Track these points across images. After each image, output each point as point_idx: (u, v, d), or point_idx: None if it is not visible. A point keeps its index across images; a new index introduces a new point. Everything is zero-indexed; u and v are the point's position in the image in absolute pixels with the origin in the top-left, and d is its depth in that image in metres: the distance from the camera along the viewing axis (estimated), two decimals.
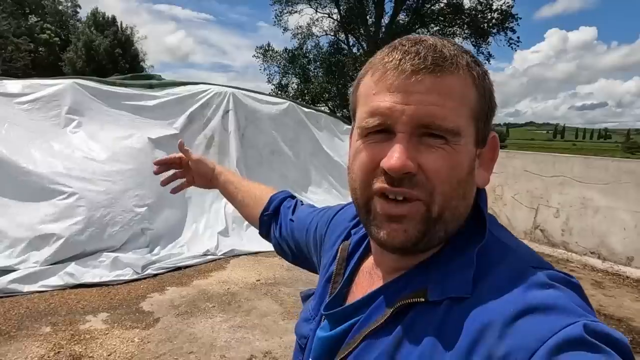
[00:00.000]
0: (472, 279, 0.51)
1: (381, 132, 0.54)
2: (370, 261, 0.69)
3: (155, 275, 4.42)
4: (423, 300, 0.53)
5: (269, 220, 1.07)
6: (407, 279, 0.58)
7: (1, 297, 3.67)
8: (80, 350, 2.94)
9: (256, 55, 23.67)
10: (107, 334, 3.20)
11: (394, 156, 0.51)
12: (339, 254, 0.74)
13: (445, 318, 0.50)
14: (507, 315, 0.45)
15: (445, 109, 0.51)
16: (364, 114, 0.55)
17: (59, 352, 2.91)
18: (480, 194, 0.60)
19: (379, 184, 0.54)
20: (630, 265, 5.17)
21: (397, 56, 0.53)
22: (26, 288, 3.89)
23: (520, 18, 20.87)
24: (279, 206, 1.07)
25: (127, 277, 4.27)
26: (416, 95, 0.51)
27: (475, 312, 0.48)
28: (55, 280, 4.05)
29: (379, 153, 0.53)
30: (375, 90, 0.54)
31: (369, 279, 0.66)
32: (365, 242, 0.72)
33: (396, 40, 0.56)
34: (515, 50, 22.24)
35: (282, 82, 24.09)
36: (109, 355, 2.91)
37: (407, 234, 0.54)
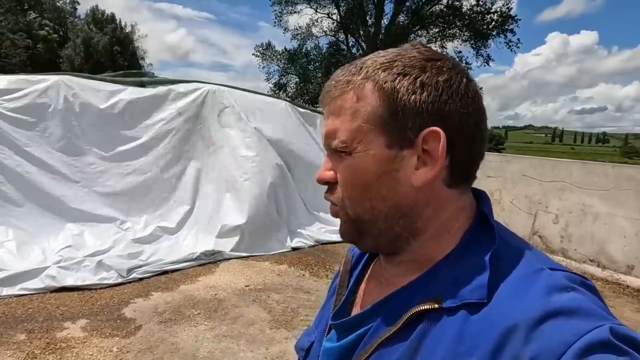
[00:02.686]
0: (487, 284, 0.51)
1: None
2: (377, 268, 0.69)
3: (141, 279, 4.28)
4: (437, 306, 0.53)
5: None
6: (419, 284, 0.58)
7: None
8: None
9: (256, 53, 23.55)
10: (85, 342, 3.05)
11: (319, 170, 0.62)
12: (342, 266, 0.77)
13: (462, 324, 0.50)
14: (531, 319, 0.45)
15: (333, 128, 0.58)
16: None
17: None
18: (482, 197, 0.62)
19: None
20: (630, 274, 5.05)
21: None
22: (5, 291, 3.76)
23: (520, 20, 20.83)
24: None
25: (111, 281, 4.12)
26: (325, 121, 0.61)
27: (496, 317, 0.48)
28: (35, 283, 3.91)
29: None
30: None
31: (377, 286, 0.66)
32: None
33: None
34: (515, 53, 22.16)
35: (281, 82, 23.98)
36: None
37: (342, 230, 0.63)
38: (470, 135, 0.57)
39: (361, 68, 0.58)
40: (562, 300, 0.46)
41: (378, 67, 0.57)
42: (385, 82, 0.56)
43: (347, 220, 0.61)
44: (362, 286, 0.70)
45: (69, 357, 2.84)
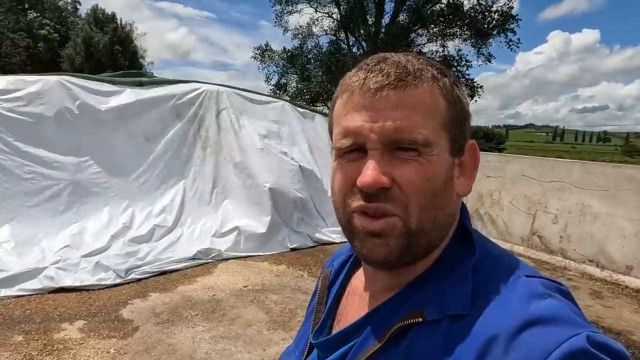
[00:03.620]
0: (470, 295, 0.51)
1: (355, 151, 0.54)
2: (357, 283, 0.68)
3: (139, 279, 4.28)
4: (421, 320, 0.52)
5: None
6: (401, 298, 0.57)
7: None
8: None
9: (254, 56, 23.51)
10: (82, 343, 3.05)
11: (366, 173, 0.51)
12: (320, 283, 0.74)
13: (446, 337, 0.50)
14: (510, 329, 0.46)
15: (412, 122, 0.51)
16: (337, 135, 0.57)
17: None
18: (462, 209, 0.61)
19: (356, 202, 0.54)
20: (629, 274, 5.04)
21: (362, 75, 0.54)
22: (3, 292, 3.76)
23: (521, 19, 20.75)
24: None
25: (109, 282, 4.12)
26: (383, 112, 0.52)
27: (478, 328, 0.48)
28: (33, 284, 3.91)
29: (354, 172, 0.54)
30: (345, 110, 0.55)
31: (359, 301, 0.65)
32: (347, 266, 0.72)
33: (363, 61, 0.57)
34: (516, 52, 22.11)
35: (281, 82, 23.94)
36: None
37: (389, 248, 0.53)
38: None
39: (421, 67, 0.54)
40: (540, 308, 0.47)
41: (437, 70, 0.56)
42: (450, 88, 0.56)
43: (404, 234, 0.53)
44: (344, 301, 0.68)
45: (66, 359, 2.84)
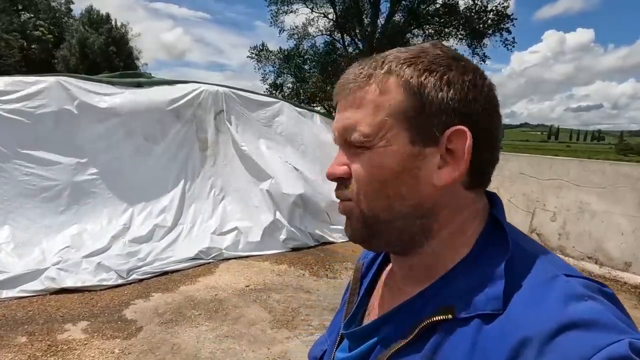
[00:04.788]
0: (502, 294, 0.49)
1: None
2: (389, 276, 0.69)
3: (141, 280, 4.27)
4: (450, 317, 0.51)
5: None
6: (431, 293, 0.56)
7: None
8: None
9: (250, 56, 23.48)
10: (86, 344, 3.05)
11: (330, 165, 0.59)
12: (353, 274, 0.76)
13: (476, 336, 0.48)
14: (546, 331, 0.43)
15: (356, 120, 0.56)
16: None
17: None
18: (494, 201, 0.60)
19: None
20: (627, 270, 5.08)
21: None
22: (4, 293, 3.74)
23: (516, 19, 20.84)
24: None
25: (111, 282, 4.12)
26: (339, 114, 0.59)
27: (509, 329, 0.46)
28: (35, 285, 3.90)
29: None
30: None
31: (389, 293, 0.65)
32: (380, 259, 0.73)
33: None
34: (512, 52, 22.20)
35: (277, 82, 23.92)
36: None
37: (352, 228, 0.59)
38: (493, 138, 0.57)
39: (383, 62, 0.56)
40: (579, 310, 0.44)
41: (402, 62, 0.56)
42: (411, 77, 0.54)
43: (360, 218, 0.57)
44: (375, 294, 0.69)
45: (70, 359, 2.84)
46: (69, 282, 3.99)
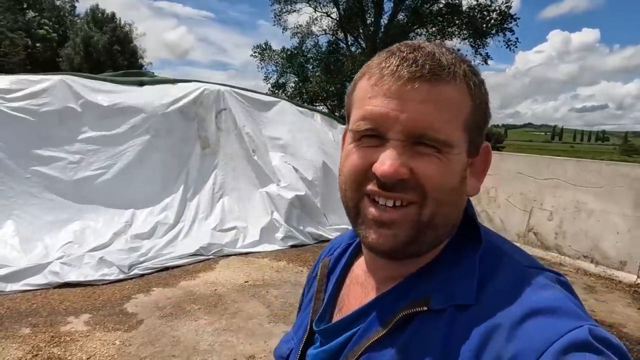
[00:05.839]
0: (476, 287, 0.52)
1: (374, 136, 0.53)
2: (359, 271, 0.68)
3: (142, 275, 4.36)
4: (425, 309, 0.53)
5: None
6: (406, 287, 0.57)
7: None
8: (59, 352, 2.88)
9: (253, 54, 23.57)
10: (88, 335, 3.13)
11: (386, 162, 0.51)
12: (319, 271, 0.74)
13: (450, 326, 0.50)
14: (513, 318, 0.47)
15: (439, 120, 0.51)
16: (358, 117, 0.55)
17: (37, 354, 2.85)
18: (467, 201, 0.61)
19: (371, 187, 0.54)
20: (622, 269, 5.13)
21: (394, 62, 0.52)
22: (9, 287, 3.83)
23: (519, 18, 20.83)
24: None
25: (112, 277, 4.20)
26: (411, 104, 0.51)
27: (482, 317, 0.49)
28: (39, 279, 3.99)
29: (371, 157, 0.53)
30: (370, 94, 0.54)
31: (360, 290, 0.65)
32: (347, 254, 0.72)
33: (394, 45, 0.55)
34: (515, 52, 22.18)
35: (280, 81, 24.00)
36: (88, 358, 2.85)
37: (396, 239, 0.53)
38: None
39: (460, 62, 0.54)
40: (542, 298, 0.48)
41: (468, 67, 0.55)
42: (479, 89, 0.55)
43: (416, 224, 0.53)
44: (344, 290, 0.68)
45: (73, 350, 2.92)
46: (72, 277, 4.08)
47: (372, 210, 0.54)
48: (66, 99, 5.20)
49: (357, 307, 0.61)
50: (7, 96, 4.90)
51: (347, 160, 0.57)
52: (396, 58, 0.52)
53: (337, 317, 0.65)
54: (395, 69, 0.52)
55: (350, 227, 0.66)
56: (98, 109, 5.36)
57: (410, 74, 0.51)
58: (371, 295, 0.61)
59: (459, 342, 0.49)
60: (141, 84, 5.97)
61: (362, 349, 0.56)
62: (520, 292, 0.50)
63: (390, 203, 0.53)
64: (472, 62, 0.56)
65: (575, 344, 0.43)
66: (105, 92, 5.53)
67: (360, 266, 0.68)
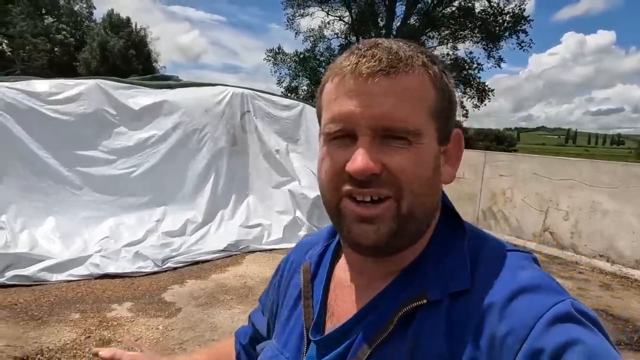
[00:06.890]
0: (470, 273, 0.54)
1: (345, 136, 0.54)
2: (342, 275, 0.67)
3: (175, 268, 4.61)
4: (425, 302, 0.54)
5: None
6: (401, 284, 0.58)
7: (31, 285, 3.88)
8: (109, 335, 3.13)
9: (267, 58, 23.91)
10: (133, 321, 3.38)
11: (357, 159, 0.51)
12: (302, 276, 0.70)
13: (450, 314, 0.53)
14: (503, 298, 0.50)
15: (403, 110, 0.52)
16: (326, 119, 0.56)
17: (89, 336, 3.09)
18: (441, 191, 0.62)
19: (347, 186, 0.54)
20: (638, 268, 5.24)
21: (353, 60, 0.53)
22: (54, 277, 4.10)
23: (532, 20, 20.80)
24: (240, 335, 0.97)
25: (148, 270, 4.46)
26: (374, 98, 0.51)
27: (476, 301, 0.52)
28: (81, 270, 4.25)
29: (344, 157, 0.54)
30: (335, 95, 0.55)
31: (350, 293, 0.64)
32: (329, 258, 0.71)
33: (354, 45, 0.57)
34: (529, 53, 22.13)
35: (292, 85, 24.28)
36: (135, 340, 3.09)
37: (378, 233, 0.54)
38: None
39: (417, 53, 0.55)
40: (525, 277, 0.52)
41: (427, 57, 0.56)
42: (441, 77, 0.56)
43: (396, 218, 0.54)
44: (331, 296, 0.67)
45: (121, 333, 3.17)
46: (111, 269, 4.34)
47: (352, 208, 0.54)
48: (101, 102, 5.49)
49: (351, 313, 0.60)
50: (48, 99, 5.20)
51: (322, 164, 0.57)
52: (355, 56, 0.54)
53: (330, 324, 0.64)
54: (354, 67, 0.52)
55: (317, 229, 0.70)
56: (130, 110, 5.65)
57: (369, 69, 0.51)
58: (362, 297, 0.61)
59: (461, 328, 0.51)
60: (169, 87, 6.25)
61: (369, 352, 0.55)
62: (506, 272, 0.53)
63: (367, 198, 0.53)
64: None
65: (560, 316, 0.47)
66: (136, 95, 5.81)
67: (342, 269, 0.67)
